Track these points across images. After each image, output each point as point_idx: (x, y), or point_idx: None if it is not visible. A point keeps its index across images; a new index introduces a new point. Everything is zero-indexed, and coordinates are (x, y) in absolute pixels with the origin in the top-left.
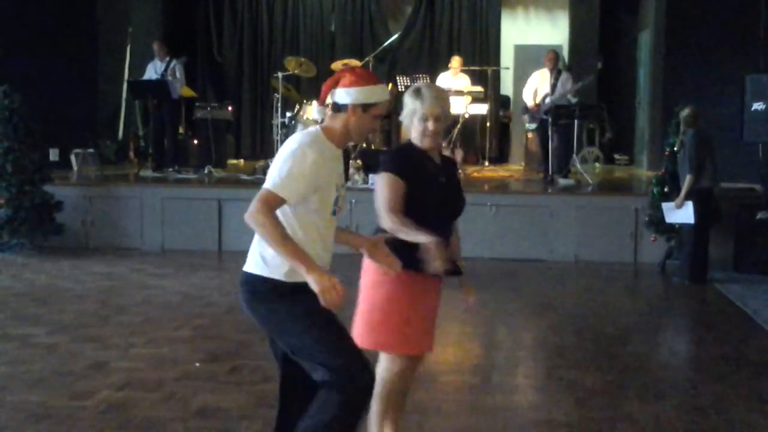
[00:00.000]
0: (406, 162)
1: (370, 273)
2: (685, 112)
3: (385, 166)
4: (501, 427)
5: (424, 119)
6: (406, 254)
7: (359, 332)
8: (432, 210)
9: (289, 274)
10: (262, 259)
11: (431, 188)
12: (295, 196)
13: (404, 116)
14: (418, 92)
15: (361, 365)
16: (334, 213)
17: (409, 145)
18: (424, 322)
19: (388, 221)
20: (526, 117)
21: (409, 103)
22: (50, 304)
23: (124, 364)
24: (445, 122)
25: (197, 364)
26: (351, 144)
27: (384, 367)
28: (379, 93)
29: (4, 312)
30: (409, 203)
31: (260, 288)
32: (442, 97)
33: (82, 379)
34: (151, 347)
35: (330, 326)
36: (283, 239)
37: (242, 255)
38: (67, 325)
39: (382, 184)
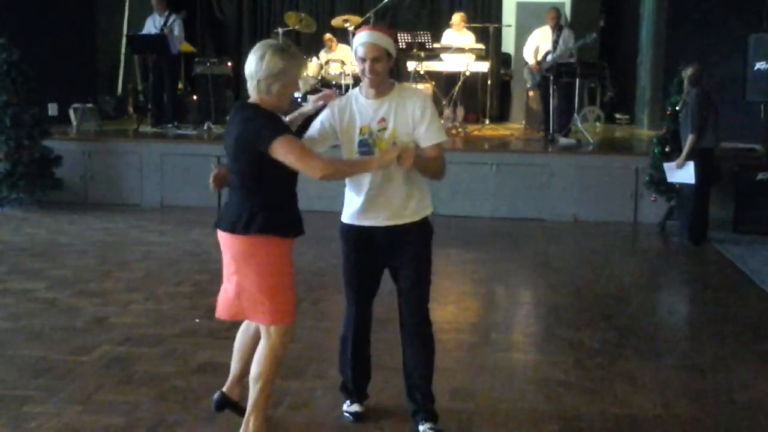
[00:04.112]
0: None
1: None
2: (689, 71)
3: (275, 131)
4: (499, 385)
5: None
6: (283, 220)
7: (267, 310)
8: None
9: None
10: None
11: None
12: None
13: (281, 78)
14: (294, 54)
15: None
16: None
17: (262, 108)
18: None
19: (329, 168)
20: (527, 74)
21: (291, 66)
22: (50, 259)
23: (124, 320)
24: None
25: (197, 320)
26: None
27: (280, 341)
28: None
29: (4, 266)
30: (276, 167)
31: None
32: None
33: (82, 334)
34: (151, 303)
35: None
36: None
37: None
38: (67, 280)
39: (289, 147)
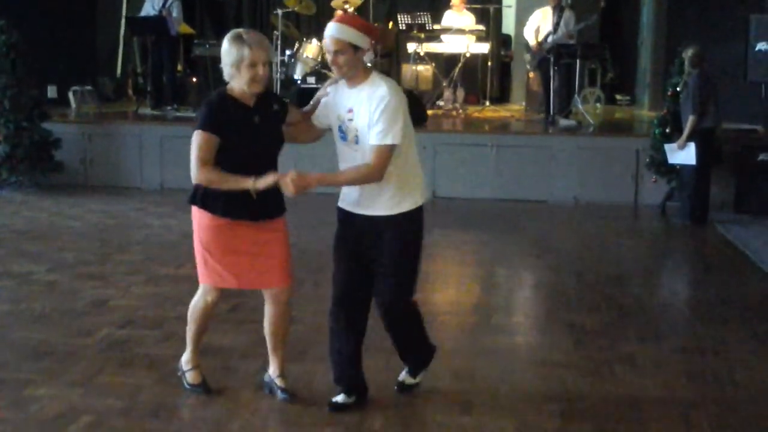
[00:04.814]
0: (217, 115)
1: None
2: (689, 53)
3: (198, 124)
4: (500, 367)
5: (253, 65)
6: (218, 200)
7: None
8: (248, 152)
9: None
10: None
11: (243, 133)
12: None
13: (227, 64)
14: (240, 38)
15: None
16: None
17: (222, 94)
18: (231, 261)
19: (203, 176)
20: (527, 56)
21: (233, 50)
22: (50, 242)
23: (125, 303)
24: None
25: None
26: None
27: (199, 296)
28: None
29: (4, 249)
30: (225, 152)
31: None
32: (265, 42)
33: (83, 317)
34: (152, 286)
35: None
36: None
37: None
38: (67, 263)
39: (194, 142)
